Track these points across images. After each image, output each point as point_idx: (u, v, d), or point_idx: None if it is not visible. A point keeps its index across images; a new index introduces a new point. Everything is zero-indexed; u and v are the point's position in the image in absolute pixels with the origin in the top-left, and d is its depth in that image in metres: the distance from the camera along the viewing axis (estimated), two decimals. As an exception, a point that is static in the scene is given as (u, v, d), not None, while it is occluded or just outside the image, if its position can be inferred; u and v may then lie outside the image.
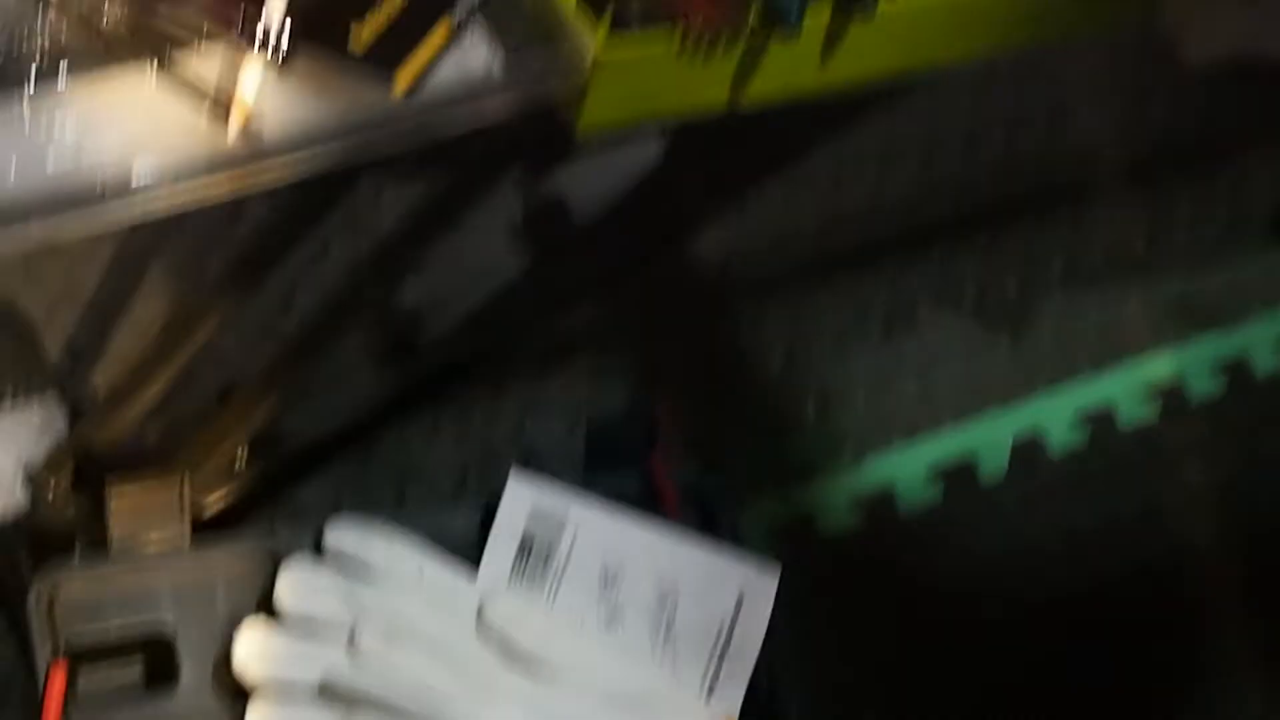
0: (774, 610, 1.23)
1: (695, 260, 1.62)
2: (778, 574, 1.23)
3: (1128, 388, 1.68)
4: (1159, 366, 1.70)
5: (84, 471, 1.30)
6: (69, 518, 1.30)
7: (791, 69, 1.15)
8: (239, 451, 1.34)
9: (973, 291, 1.70)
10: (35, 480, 1.31)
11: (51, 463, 1.30)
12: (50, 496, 1.31)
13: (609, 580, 1.23)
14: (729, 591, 1.23)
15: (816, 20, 1.11)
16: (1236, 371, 1.70)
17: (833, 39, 1.13)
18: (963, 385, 1.66)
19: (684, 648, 1.21)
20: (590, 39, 0.99)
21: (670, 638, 1.21)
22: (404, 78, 0.95)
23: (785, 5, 1.07)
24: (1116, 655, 1.53)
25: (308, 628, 1.13)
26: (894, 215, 1.69)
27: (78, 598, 1.15)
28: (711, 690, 1.19)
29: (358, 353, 1.34)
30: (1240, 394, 1.67)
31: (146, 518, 1.24)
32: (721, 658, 1.21)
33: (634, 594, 1.22)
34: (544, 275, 1.49)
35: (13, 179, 0.88)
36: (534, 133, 1.03)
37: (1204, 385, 1.70)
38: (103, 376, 1.43)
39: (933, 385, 1.66)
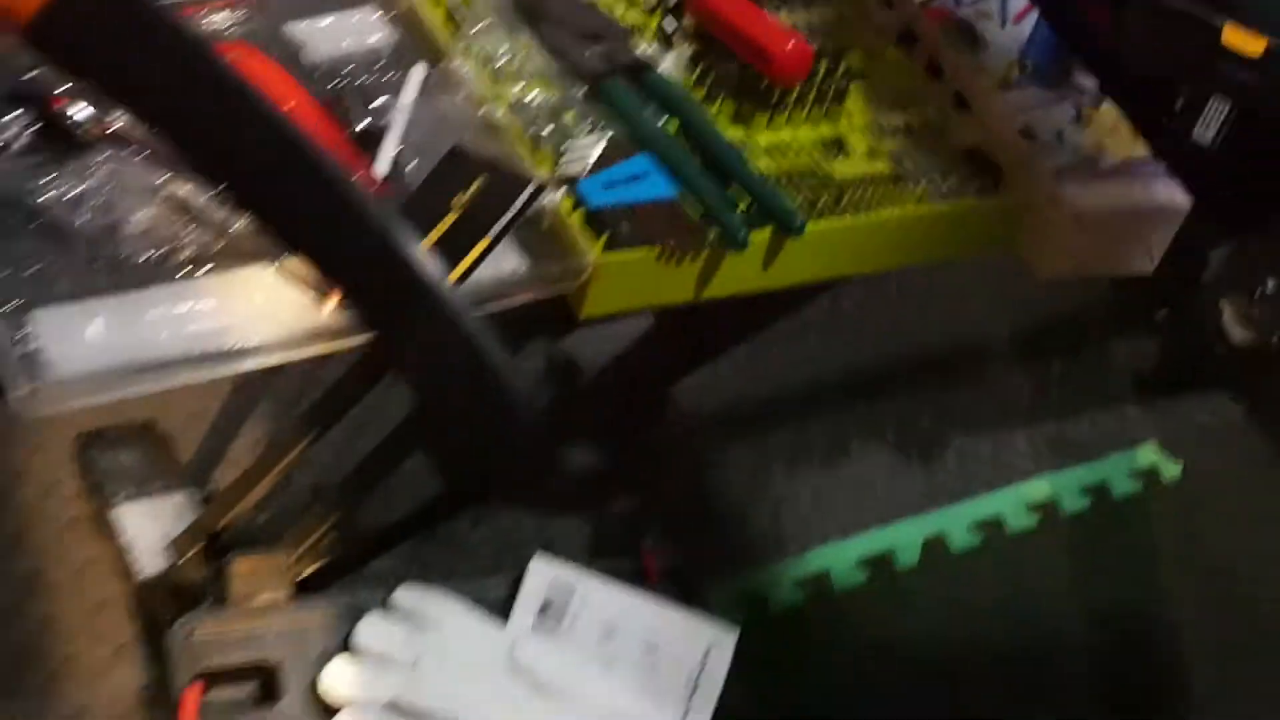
0: (731, 662, 1.27)
1: (679, 403, 1.65)
2: (736, 633, 1.28)
3: (1013, 503, 1.69)
4: (1038, 488, 1.71)
5: (211, 545, 1.30)
6: (199, 578, 1.30)
7: (742, 274, 1.19)
8: (327, 532, 1.40)
9: (893, 429, 1.72)
10: (176, 549, 1.31)
11: (187, 537, 1.31)
12: (186, 562, 1.31)
13: (608, 634, 1.27)
14: (699, 645, 1.28)
15: (760, 237, 1.14)
16: (1099, 493, 1.72)
17: (772, 253, 1.17)
18: (885, 498, 1.65)
19: (664, 686, 1.26)
20: (591, 252, 1.05)
21: (654, 678, 1.26)
22: (455, 272, 1.01)
23: (734, 231, 1.11)
24: (991, 702, 1.53)
25: (379, 661, 1.19)
26: (832, 372, 1.72)
27: (207, 637, 1.21)
28: (684, 718, 1.25)
29: (418, 463, 1.41)
30: (1101, 510, 1.71)
31: (258, 580, 1.27)
32: (692, 694, 1.26)
33: (626, 645, 1.27)
34: (557, 417, 1.56)
35: (163, 338, 0.96)
36: (550, 313, 1.08)
37: (1074, 503, 1.71)
38: (224, 475, 1.49)
39: (861, 498, 1.64)
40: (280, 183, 0.62)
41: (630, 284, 1.15)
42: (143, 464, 1.40)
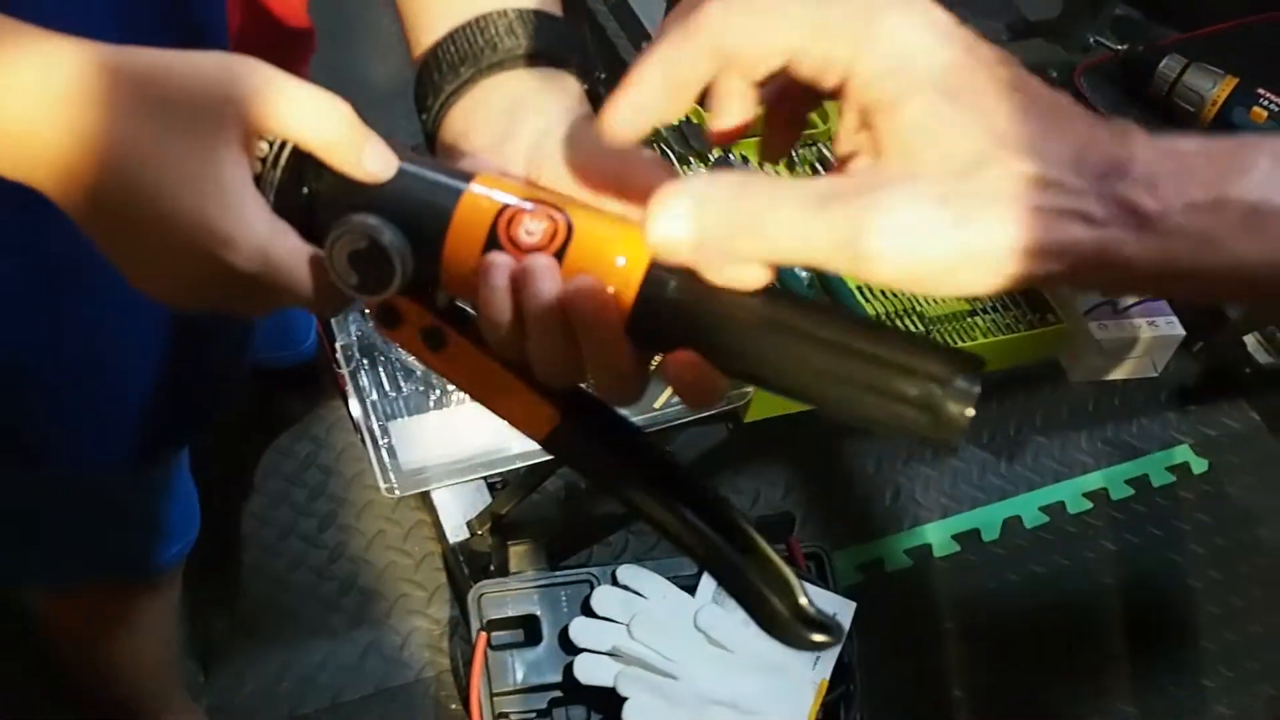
0: (853, 619, 1.33)
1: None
2: (854, 604, 1.33)
3: (1073, 491, 1.68)
4: (1093, 479, 1.70)
5: (496, 524, 1.40)
6: (487, 549, 1.41)
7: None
8: (574, 522, 1.49)
9: (987, 431, 1.72)
10: (470, 527, 1.43)
11: (479, 519, 1.41)
12: (477, 537, 1.42)
13: None
14: (827, 610, 1.43)
15: None
16: (1140, 483, 1.70)
17: None
18: (977, 485, 1.67)
19: None
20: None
21: None
22: (660, 400, 1.05)
23: None
24: (1050, 652, 1.55)
25: (606, 619, 1.27)
26: None
27: (492, 597, 1.30)
28: (814, 665, 1.31)
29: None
30: (1142, 496, 1.69)
31: (527, 557, 1.37)
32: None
33: None
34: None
35: (465, 441, 1.07)
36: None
37: (1119, 491, 1.69)
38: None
39: (958, 485, 1.66)
40: None
41: (780, 401, 1.22)
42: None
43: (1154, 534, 1.67)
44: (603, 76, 0.51)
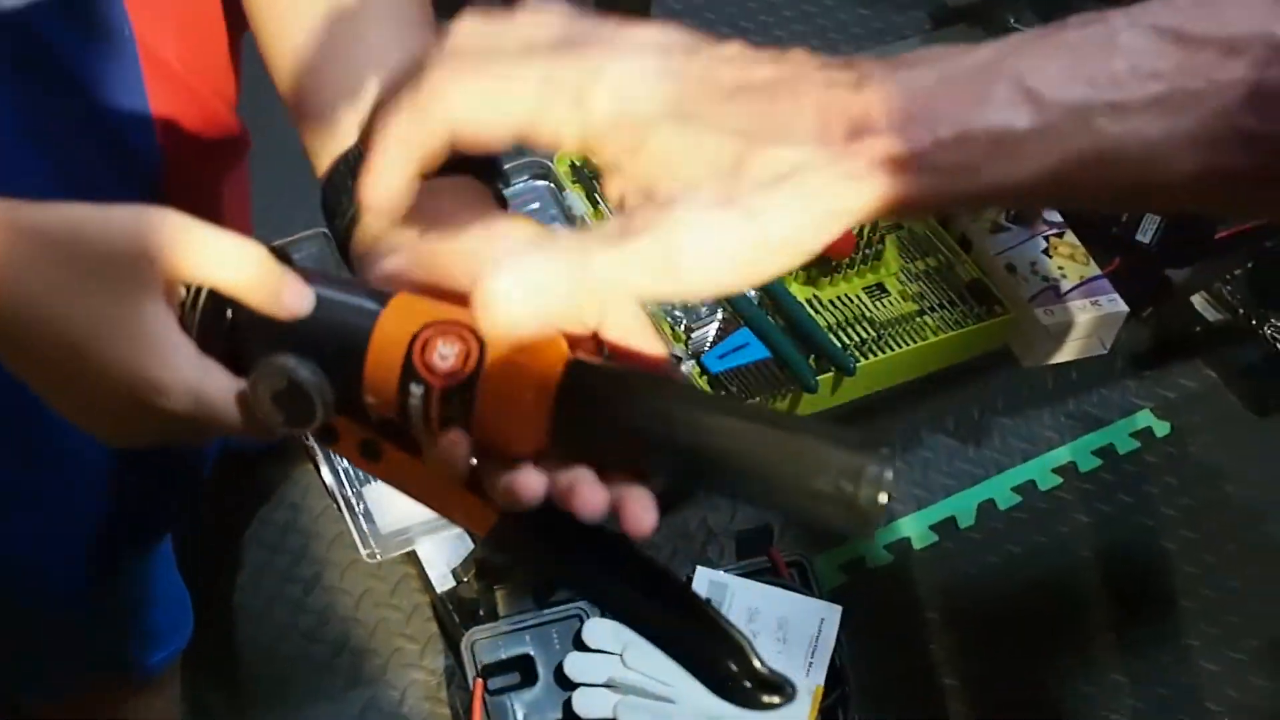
0: (840, 620, 1.32)
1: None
2: (840, 609, 1.33)
3: (1042, 468, 1.68)
4: (1060, 454, 1.70)
5: (480, 572, 1.39)
6: (475, 595, 1.40)
7: (814, 402, 1.27)
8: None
9: (952, 418, 1.73)
10: (455, 575, 1.41)
11: (463, 566, 1.40)
12: (463, 584, 1.41)
13: (751, 616, 1.34)
14: (815, 618, 1.34)
15: (826, 378, 1.23)
16: (1107, 453, 1.71)
17: (834, 386, 1.26)
18: (948, 473, 1.68)
19: (792, 651, 1.33)
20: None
21: (785, 645, 1.33)
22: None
23: (807, 380, 1.22)
24: (1036, 629, 1.57)
25: (599, 652, 1.28)
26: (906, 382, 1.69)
27: (485, 642, 1.30)
28: (808, 672, 1.32)
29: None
30: (1109, 466, 1.70)
31: (515, 598, 1.38)
32: (813, 653, 1.34)
33: (765, 623, 1.34)
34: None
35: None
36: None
37: (1087, 463, 1.70)
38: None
39: (930, 475, 1.67)
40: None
41: None
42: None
43: (1125, 501, 1.69)
44: (504, 183, 0.54)
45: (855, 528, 0.42)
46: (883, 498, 0.41)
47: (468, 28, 0.41)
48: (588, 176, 1.32)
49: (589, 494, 0.44)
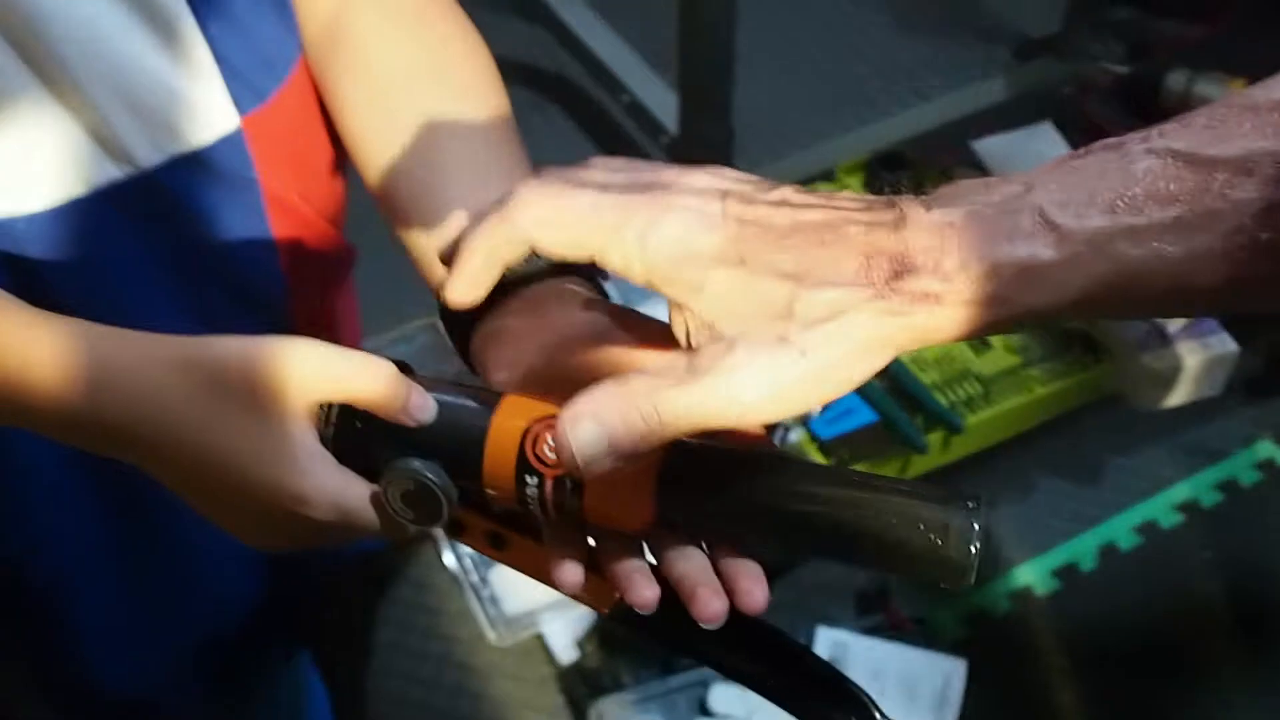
0: (966, 677, 1.39)
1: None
2: (965, 662, 1.39)
3: (1163, 506, 1.68)
4: (1180, 490, 1.69)
5: (604, 642, 1.45)
6: (600, 665, 1.45)
7: (925, 462, 1.30)
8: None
9: (1064, 459, 1.71)
10: (580, 646, 1.47)
11: (588, 637, 1.47)
12: (588, 654, 1.46)
13: (875, 675, 1.40)
14: (940, 674, 1.40)
15: (935, 438, 1.27)
16: (1228, 487, 1.70)
17: (944, 444, 1.29)
18: (1066, 516, 1.68)
19: (921, 708, 1.38)
20: None
21: (912, 703, 1.38)
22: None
23: (916, 440, 1.24)
24: (1165, 671, 1.55)
25: (727, 717, 1.38)
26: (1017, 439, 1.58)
27: (614, 709, 1.36)
28: None
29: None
30: (1233, 500, 1.69)
31: (640, 667, 1.43)
32: (941, 708, 1.38)
33: (889, 681, 1.40)
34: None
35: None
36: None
37: (1209, 498, 1.69)
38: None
39: (1046, 521, 1.68)
40: None
41: None
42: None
43: (1251, 536, 1.68)
44: (605, 278, 0.59)
45: (950, 580, 0.45)
46: (973, 549, 0.44)
47: (551, 169, 0.46)
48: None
49: (708, 599, 0.47)
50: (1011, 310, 0.41)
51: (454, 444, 0.50)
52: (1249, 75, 1.73)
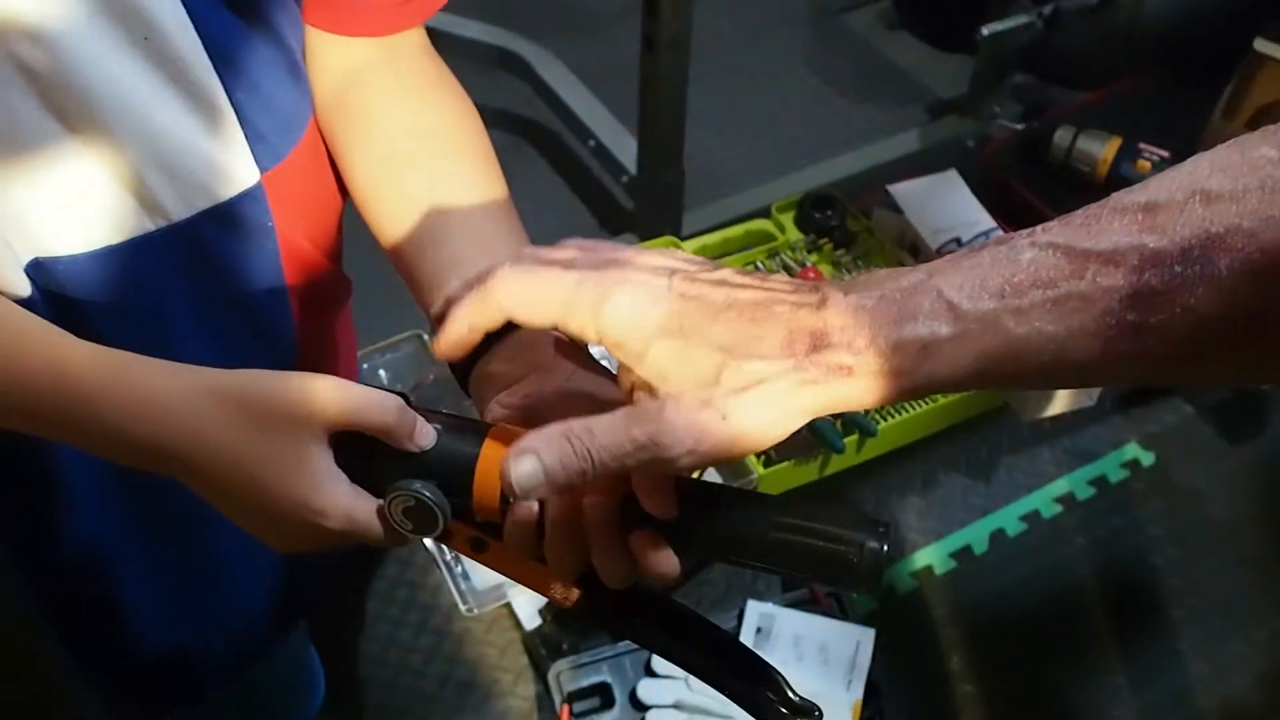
0: (874, 644, 1.37)
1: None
2: (873, 631, 1.38)
3: (1045, 499, 1.69)
4: (1060, 486, 1.70)
5: (563, 614, 1.42)
6: (560, 632, 1.44)
7: (842, 461, 1.31)
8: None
9: (964, 461, 1.72)
10: (542, 615, 1.46)
11: (549, 608, 1.45)
12: (548, 623, 1.45)
13: (796, 642, 1.39)
14: (852, 641, 1.39)
15: (851, 439, 1.27)
16: (1100, 483, 1.71)
17: (860, 444, 1.29)
18: (962, 508, 1.68)
19: (834, 670, 1.36)
20: (756, 470, 1.20)
21: (826, 666, 1.37)
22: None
23: (834, 442, 1.24)
24: (1044, 641, 1.55)
25: (667, 676, 1.32)
26: (922, 441, 1.59)
27: (568, 673, 1.36)
28: (848, 688, 1.36)
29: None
30: (1103, 494, 1.70)
31: (593, 635, 1.41)
32: (851, 672, 1.37)
33: (808, 648, 1.38)
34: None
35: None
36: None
37: (1083, 492, 1.70)
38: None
39: (947, 510, 1.68)
40: None
41: (785, 480, 1.29)
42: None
43: (1118, 524, 1.69)
44: None
45: (863, 586, 0.47)
46: (879, 567, 0.46)
47: (529, 250, 0.48)
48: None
49: (661, 558, 0.49)
50: (915, 381, 0.42)
51: (449, 467, 0.51)
52: (1124, 132, 1.76)
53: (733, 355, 0.43)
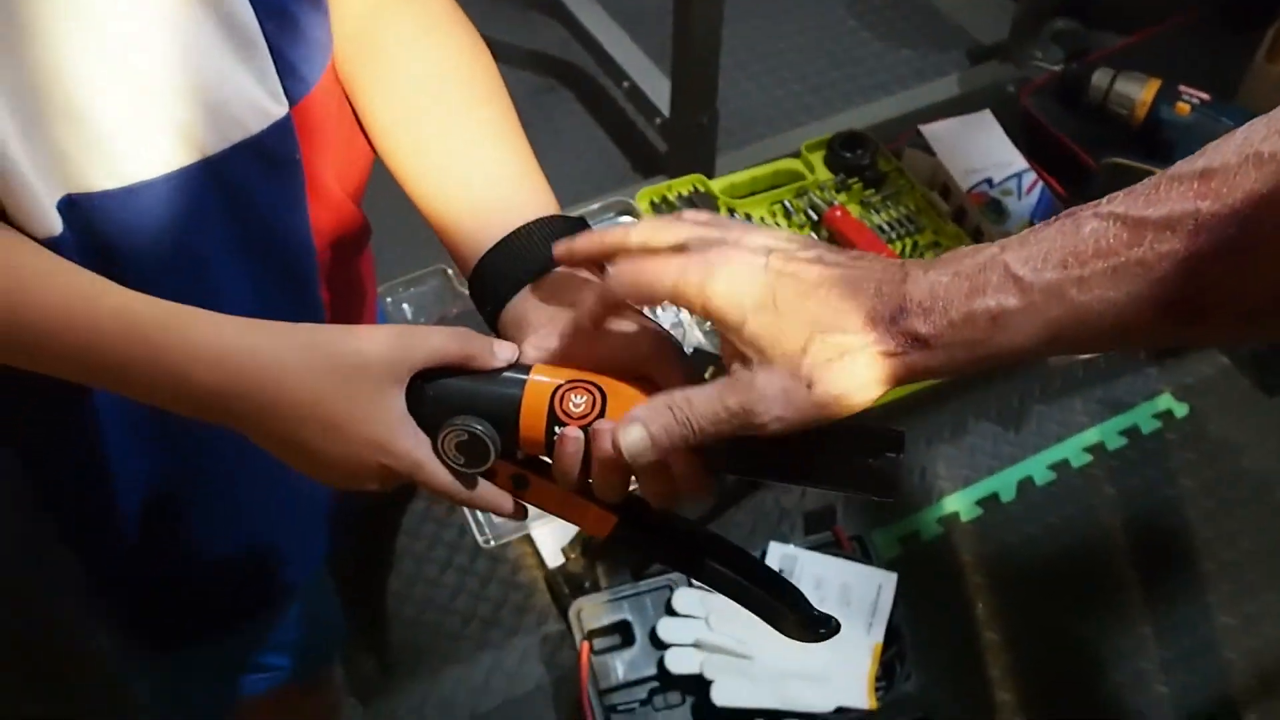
0: (896, 589, 1.34)
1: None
2: (896, 576, 1.34)
3: (1074, 448, 1.65)
4: (1090, 435, 1.67)
5: (585, 550, 1.43)
6: (581, 570, 1.44)
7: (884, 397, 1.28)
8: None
9: (994, 408, 1.69)
10: (564, 554, 1.46)
11: (570, 546, 1.45)
12: (571, 561, 1.45)
13: (818, 584, 1.35)
14: (874, 584, 1.36)
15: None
16: (1131, 433, 1.68)
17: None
18: (991, 455, 1.65)
19: (855, 613, 1.34)
20: None
21: (848, 609, 1.34)
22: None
23: None
24: (1071, 590, 1.55)
25: (688, 616, 1.30)
26: (955, 385, 1.63)
27: (589, 611, 1.33)
28: (868, 632, 1.33)
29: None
30: (1134, 444, 1.67)
31: (615, 573, 1.40)
32: (873, 615, 1.34)
33: (830, 590, 1.35)
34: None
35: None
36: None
37: (1114, 442, 1.67)
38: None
39: (975, 458, 1.65)
40: None
41: None
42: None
43: (1149, 475, 1.66)
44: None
45: (882, 492, 0.50)
46: (897, 476, 0.50)
47: (648, 220, 0.54)
48: (667, 212, 1.33)
49: (698, 477, 0.53)
50: (988, 350, 0.45)
51: (497, 404, 0.54)
52: (1164, 75, 1.70)
53: (820, 329, 0.46)
